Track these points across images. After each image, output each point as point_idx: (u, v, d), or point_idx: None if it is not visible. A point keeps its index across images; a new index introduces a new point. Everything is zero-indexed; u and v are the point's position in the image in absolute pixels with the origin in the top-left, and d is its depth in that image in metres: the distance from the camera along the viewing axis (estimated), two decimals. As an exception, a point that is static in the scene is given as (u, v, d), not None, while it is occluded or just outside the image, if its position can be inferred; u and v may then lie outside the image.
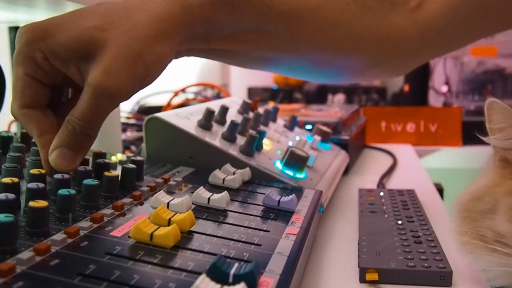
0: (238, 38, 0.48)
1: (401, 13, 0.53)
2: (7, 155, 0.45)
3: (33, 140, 0.51)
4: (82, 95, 0.40)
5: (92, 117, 0.41)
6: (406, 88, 1.81)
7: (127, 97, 0.41)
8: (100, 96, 0.39)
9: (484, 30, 0.57)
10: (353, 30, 0.52)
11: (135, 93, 0.42)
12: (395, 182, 0.76)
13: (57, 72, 0.42)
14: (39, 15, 0.76)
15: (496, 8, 0.53)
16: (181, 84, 1.27)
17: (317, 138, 0.72)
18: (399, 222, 0.50)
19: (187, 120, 0.58)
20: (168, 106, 1.14)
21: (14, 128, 0.98)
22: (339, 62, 0.56)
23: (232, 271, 0.28)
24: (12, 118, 0.87)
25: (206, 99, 1.22)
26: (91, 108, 0.40)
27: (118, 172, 0.44)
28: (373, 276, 0.40)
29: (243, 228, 0.39)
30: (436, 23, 0.53)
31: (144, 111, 1.27)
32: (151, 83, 0.43)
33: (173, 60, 0.45)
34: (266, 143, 0.62)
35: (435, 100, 1.85)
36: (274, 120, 0.75)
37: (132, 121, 1.17)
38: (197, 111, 0.62)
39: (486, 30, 0.57)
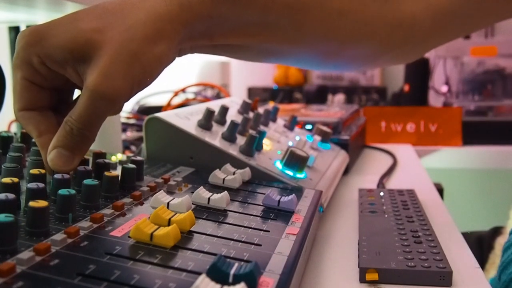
0: (241, 33, 0.47)
1: None
2: (7, 155, 0.45)
3: (33, 140, 0.51)
4: (80, 97, 0.40)
5: (89, 119, 0.40)
6: (406, 88, 1.81)
7: (126, 99, 0.41)
8: (97, 99, 0.39)
9: (497, 15, 0.56)
10: (362, 17, 0.50)
11: (134, 94, 0.42)
12: (395, 182, 0.76)
13: (56, 75, 0.42)
14: (39, 15, 0.76)
15: None
16: (181, 84, 1.27)
17: (317, 138, 0.72)
18: (399, 222, 0.50)
19: (187, 120, 0.58)
20: (168, 106, 1.14)
21: (14, 128, 0.98)
22: (347, 51, 0.54)
23: (232, 271, 0.28)
24: (12, 118, 0.87)
25: (206, 99, 1.22)
26: (89, 110, 0.40)
27: (118, 172, 0.44)
28: (373, 276, 0.40)
29: (243, 228, 0.39)
30: (448, 7, 0.52)
31: (144, 111, 1.27)
32: (150, 84, 0.43)
33: (176, 59, 0.45)
34: (266, 143, 0.62)
35: (435, 100, 1.85)
36: (274, 120, 0.75)
37: (132, 121, 1.17)
38: (197, 111, 0.62)
39: (500, 14, 0.55)
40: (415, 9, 0.51)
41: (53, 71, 0.41)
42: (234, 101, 0.76)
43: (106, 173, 0.41)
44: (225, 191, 0.43)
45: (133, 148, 0.96)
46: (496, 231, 0.82)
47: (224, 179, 0.49)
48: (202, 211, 0.41)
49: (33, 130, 0.43)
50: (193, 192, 0.43)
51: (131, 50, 0.40)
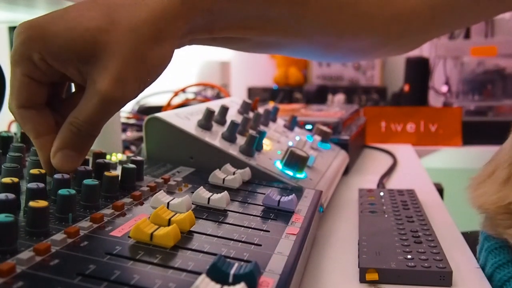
0: (241, 26, 0.47)
1: None
2: (7, 155, 0.45)
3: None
4: (87, 99, 0.40)
5: (99, 120, 0.41)
6: (406, 88, 1.81)
7: (132, 100, 0.42)
8: (108, 103, 0.40)
9: (495, 8, 0.55)
10: (361, 10, 0.50)
11: (138, 95, 0.42)
12: (395, 182, 0.76)
13: (55, 71, 0.41)
14: (39, 15, 0.76)
15: None
16: (181, 84, 1.27)
17: (317, 138, 0.72)
18: (399, 222, 0.50)
19: (187, 120, 0.58)
20: (168, 106, 1.14)
21: (14, 128, 0.98)
22: (346, 44, 0.54)
23: (232, 271, 0.28)
24: (12, 118, 0.87)
25: (206, 99, 1.22)
26: (99, 113, 0.40)
27: (118, 172, 0.44)
28: (373, 276, 0.40)
29: (243, 228, 0.39)
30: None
31: (144, 111, 1.27)
32: (152, 83, 0.43)
33: (176, 52, 0.45)
34: (266, 143, 0.62)
35: (435, 100, 1.85)
36: (274, 120, 0.75)
37: (132, 121, 1.17)
38: (197, 111, 0.62)
39: (498, 8, 0.55)
40: (413, 1, 0.51)
41: (53, 67, 0.41)
42: (234, 101, 0.76)
43: (106, 173, 0.41)
44: (225, 191, 0.43)
45: (133, 148, 0.96)
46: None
47: (224, 179, 0.49)
48: (202, 211, 0.41)
49: (31, 131, 0.42)
50: (193, 192, 0.43)
51: (139, 53, 0.40)
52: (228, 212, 0.42)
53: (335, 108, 1.04)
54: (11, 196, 0.32)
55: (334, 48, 0.55)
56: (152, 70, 0.41)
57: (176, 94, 1.20)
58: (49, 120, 0.43)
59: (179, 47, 0.46)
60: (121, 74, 0.39)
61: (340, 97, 1.97)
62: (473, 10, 0.54)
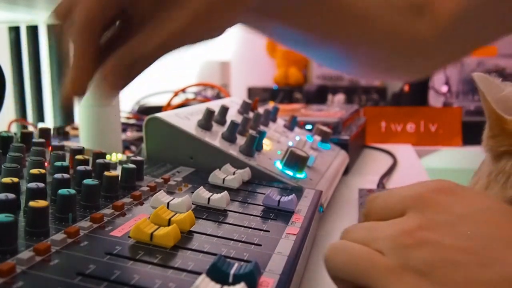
0: (290, 12, 0.53)
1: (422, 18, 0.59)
2: (7, 155, 0.45)
3: (33, 140, 0.51)
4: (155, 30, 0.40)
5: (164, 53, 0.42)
6: (406, 88, 1.81)
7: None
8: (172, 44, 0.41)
9: (496, 33, 0.60)
10: (388, 29, 0.58)
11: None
12: (395, 182, 0.76)
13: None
14: (39, 15, 0.76)
15: (507, 11, 0.57)
16: (181, 84, 1.27)
17: (317, 138, 0.72)
18: (399, 222, 0.50)
19: (187, 120, 0.58)
20: (168, 106, 1.14)
21: (14, 128, 0.98)
22: (363, 55, 0.61)
23: (232, 271, 0.28)
24: (12, 118, 0.87)
25: (206, 99, 1.22)
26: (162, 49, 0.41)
27: (118, 172, 0.44)
28: (373, 276, 0.39)
29: (243, 228, 0.39)
30: (449, 25, 0.58)
31: (144, 111, 1.27)
32: (203, 40, 0.45)
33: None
34: (266, 143, 0.62)
35: (435, 100, 1.85)
36: (274, 120, 0.76)
37: (132, 121, 1.17)
38: (197, 111, 0.62)
39: (498, 33, 0.60)
40: (422, 28, 0.58)
41: None
42: (234, 101, 0.76)
43: (106, 173, 0.41)
44: (225, 191, 0.43)
45: (133, 148, 0.96)
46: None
47: (224, 179, 0.49)
48: (202, 211, 0.41)
49: (85, 53, 0.40)
50: (193, 192, 0.43)
51: (210, 8, 0.41)
52: (228, 212, 0.42)
53: (335, 108, 1.04)
54: (11, 196, 0.32)
55: (356, 62, 0.63)
56: (214, 30, 0.43)
57: (176, 94, 1.20)
58: (96, 56, 0.41)
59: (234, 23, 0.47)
60: (190, 23, 0.40)
61: (340, 97, 1.97)
62: (474, 39, 0.61)
